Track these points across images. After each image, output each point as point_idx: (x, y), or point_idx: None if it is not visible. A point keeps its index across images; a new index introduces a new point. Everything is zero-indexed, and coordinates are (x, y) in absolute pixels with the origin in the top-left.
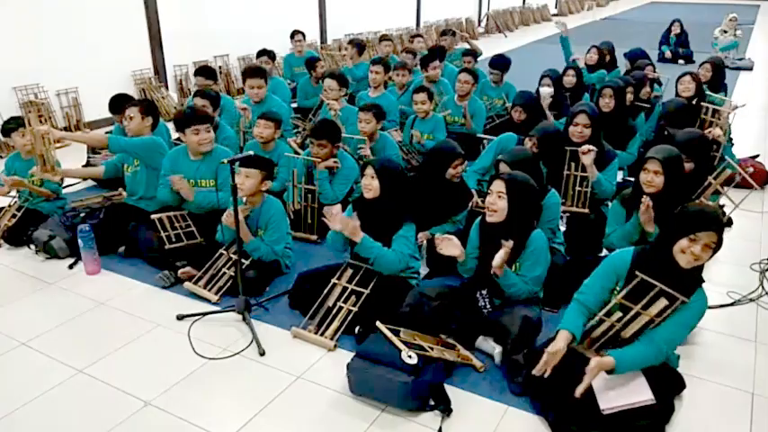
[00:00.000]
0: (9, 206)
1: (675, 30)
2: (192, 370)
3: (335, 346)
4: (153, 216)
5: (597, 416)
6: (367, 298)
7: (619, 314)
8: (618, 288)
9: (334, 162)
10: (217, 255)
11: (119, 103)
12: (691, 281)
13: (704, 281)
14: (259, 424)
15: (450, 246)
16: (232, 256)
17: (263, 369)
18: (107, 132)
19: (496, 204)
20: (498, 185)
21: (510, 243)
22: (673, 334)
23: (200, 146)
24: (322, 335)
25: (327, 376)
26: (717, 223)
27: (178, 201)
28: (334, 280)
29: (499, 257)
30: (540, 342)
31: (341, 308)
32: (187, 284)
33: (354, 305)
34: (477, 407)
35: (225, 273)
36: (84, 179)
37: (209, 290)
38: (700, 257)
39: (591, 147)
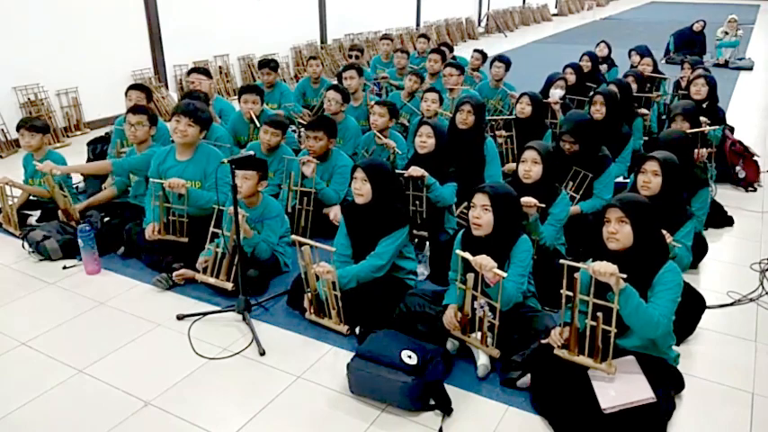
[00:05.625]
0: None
1: (698, 27)
2: (192, 370)
3: (348, 330)
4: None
5: (599, 416)
6: (365, 298)
7: (599, 314)
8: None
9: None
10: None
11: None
12: (654, 256)
13: (671, 257)
14: (259, 424)
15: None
16: (217, 250)
17: (263, 369)
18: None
19: (482, 218)
20: (481, 199)
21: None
22: (663, 306)
23: (174, 134)
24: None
25: (327, 376)
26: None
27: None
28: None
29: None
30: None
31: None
32: (199, 276)
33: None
34: (477, 407)
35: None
36: (102, 203)
37: (220, 279)
38: (616, 232)
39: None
